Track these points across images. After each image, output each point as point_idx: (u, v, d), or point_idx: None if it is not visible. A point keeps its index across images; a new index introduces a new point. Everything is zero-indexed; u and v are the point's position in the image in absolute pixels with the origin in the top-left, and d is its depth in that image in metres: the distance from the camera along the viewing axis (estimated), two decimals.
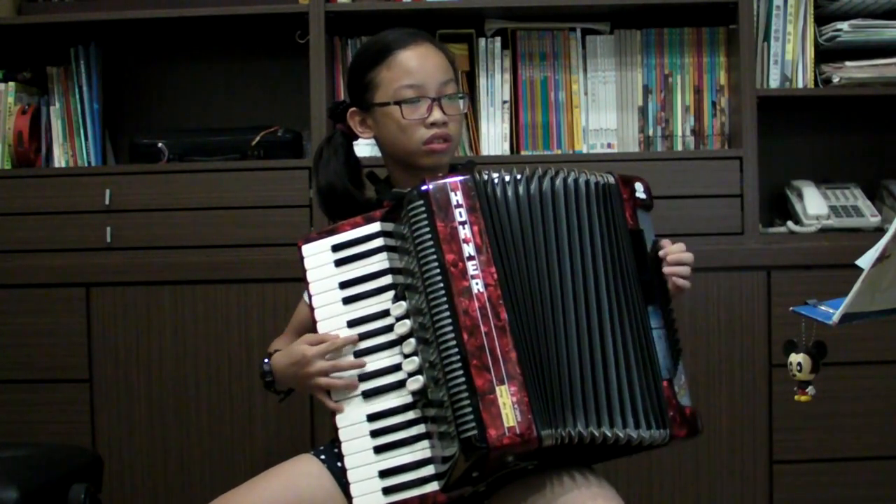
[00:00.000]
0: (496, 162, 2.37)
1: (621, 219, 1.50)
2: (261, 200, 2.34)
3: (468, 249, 1.41)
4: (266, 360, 1.63)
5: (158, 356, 2.34)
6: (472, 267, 1.40)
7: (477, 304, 1.39)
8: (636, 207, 1.52)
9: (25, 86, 2.53)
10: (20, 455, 1.73)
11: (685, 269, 1.53)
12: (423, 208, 1.43)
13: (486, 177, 1.47)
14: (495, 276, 1.41)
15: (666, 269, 1.51)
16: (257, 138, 2.41)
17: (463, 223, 1.42)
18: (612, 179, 1.52)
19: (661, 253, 1.52)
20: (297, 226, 2.33)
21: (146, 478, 2.34)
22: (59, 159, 2.53)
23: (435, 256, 1.41)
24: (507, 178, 1.48)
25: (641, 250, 1.50)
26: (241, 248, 2.34)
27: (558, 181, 1.49)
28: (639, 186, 1.54)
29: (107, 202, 2.35)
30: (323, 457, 1.59)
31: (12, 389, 2.34)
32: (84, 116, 2.52)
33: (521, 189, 1.47)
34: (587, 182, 1.50)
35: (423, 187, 1.45)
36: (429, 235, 1.42)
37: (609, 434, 1.41)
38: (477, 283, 1.40)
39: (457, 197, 1.44)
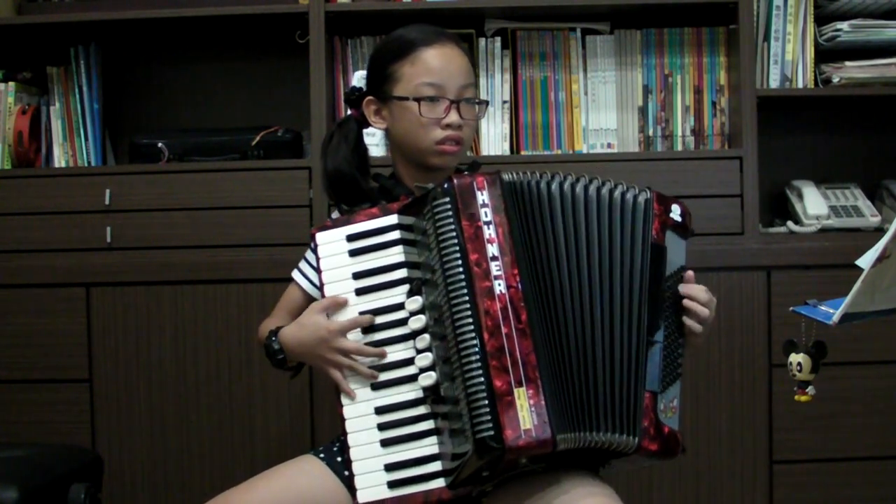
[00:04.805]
0: (496, 162, 2.37)
1: (648, 231, 1.49)
2: (261, 200, 2.34)
3: (492, 250, 1.40)
4: (273, 338, 1.61)
5: (158, 356, 2.34)
6: (495, 268, 1.40)
7: (499, 305, 1.38)
8: (666, 226, 1.51)
9: (25, 86, 2.53)
10: (20, 455, 1.73)
11: (702, 309, 1.51)
12: (448, 205, 1.42)
13: (513, 177, 1.47)
14: (518, 278, 1.40)
15: (686, 303, 1.50)
16: (257, 138, 2.41)
17: (488, 223, 1.42)
18: (648, 194, 1.52)
19: (681, 288, 1.51)
20: (297, 226, 2.33)
21: (146, 478, 2.34)
22: (59, 159, 2.53)
23: (459, 255, 1.40)
24: (535, 180, 1.48)
25: (658, 266, 1.49)
26: (241, 248, 2.34)
27: (592, 188, 1.49)
28: (675, 208, 1.54)
29: (107, 202, 2.35)
30: (322, 455, 1.60)
31: (12, 389, 2.34)
32: (84, 116, 2.52)
33: (553, 190, 1.48)
34: (623, 193, 1.50)
35: (450, 184, 1.43)
36: (453, 233, 1.41)
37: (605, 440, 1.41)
38: (499, 284, 1.39)
39: (483, 196, 1.43)
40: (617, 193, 1.50)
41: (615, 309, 1.46)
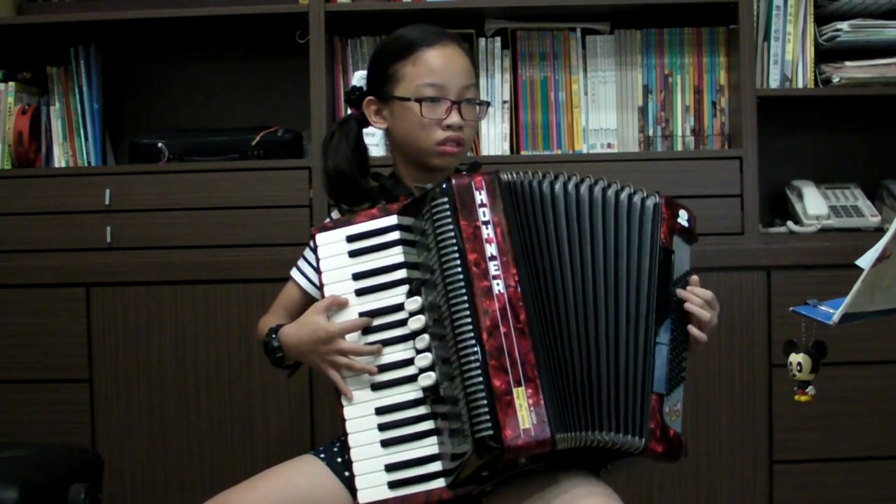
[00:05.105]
0: (496, 162, 2.37)
1: (657, 234, 1.50)
2: (261, 200, 2.34)
3: (490, 249, 1.40)
4: (273, 336, 1.61)
5: (158, 356, 2.34)
6: (493, 267, 1.40)
7: (497, 305, 1.38)
8: (674, 230, 1.52)
9: (25, 86, 2.53)
10: (20, 455, 1.73)
11: (702, 312, 1.50)
12: (447, 205, 1.42)
13: (512, 177, 1.47)
14: (517, 277, 1.40)
15: (687, 306, 1.50)
16: (257, 138, 2.41)
17: (486, 223, 1.42)
18: (657, 199, 1.52)
19: (679, 291, 1.50)
20: (297, 226, 2.33)
21: (146, 478, 2.34)
22: (59, 159, 2.53)
23: (457, 255, 1.40)
24: (537, 180, 1.48)
25: (666, 268, 1.49)
26: (241, 248, 2.34)
27: (597, 189, 1.49)
28: (682, 214, 1.54)
29: (107, 202, 2.35)
30: (322, 455, 1.60)
31: (12, 389, 2.34)
32: (84, 116, 2.52)
33: (556, 190, 1.48)
34: (630, 196, 1.51)
35: (448, 184, 1.43)
36: (452, 234, 1.41)
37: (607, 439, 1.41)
38: (498, 284, 1.39)
39: (481, 196, 1.43)
40: (624, 195, 1.50)
41: (621, 310, 1.45)
